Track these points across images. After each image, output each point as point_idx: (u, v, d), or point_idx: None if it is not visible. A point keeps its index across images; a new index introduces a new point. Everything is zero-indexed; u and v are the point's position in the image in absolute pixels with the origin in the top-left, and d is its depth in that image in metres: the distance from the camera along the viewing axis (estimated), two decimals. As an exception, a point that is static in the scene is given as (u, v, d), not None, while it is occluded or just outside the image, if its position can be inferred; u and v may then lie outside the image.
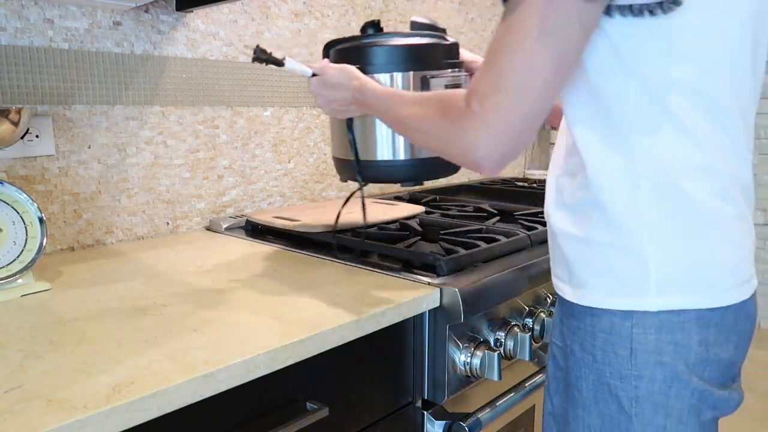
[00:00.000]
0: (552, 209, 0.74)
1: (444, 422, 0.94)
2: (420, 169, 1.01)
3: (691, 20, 0.60)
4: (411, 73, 0.96)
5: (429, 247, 1.09)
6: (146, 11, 1.18)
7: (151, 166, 1.22)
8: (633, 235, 0.65)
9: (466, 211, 1.40)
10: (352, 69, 0.88)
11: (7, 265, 0.86)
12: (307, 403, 0.75)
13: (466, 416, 0.96)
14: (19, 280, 0.87)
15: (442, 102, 0.71)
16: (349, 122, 0.96)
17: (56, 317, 0.77)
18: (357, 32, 1.00)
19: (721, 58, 0.62)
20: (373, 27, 1.01)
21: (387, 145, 0.99)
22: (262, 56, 0.90)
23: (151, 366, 0.62)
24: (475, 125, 0.63)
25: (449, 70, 0.99)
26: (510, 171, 2.28)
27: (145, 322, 0.75)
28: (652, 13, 0.59)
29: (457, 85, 0.98)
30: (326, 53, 1.03)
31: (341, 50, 0.99)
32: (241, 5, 1.33)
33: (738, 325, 0.68)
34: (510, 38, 0.61)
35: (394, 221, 1.25)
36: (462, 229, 1.18)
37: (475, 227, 1.19)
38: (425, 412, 0.94)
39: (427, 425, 0.94)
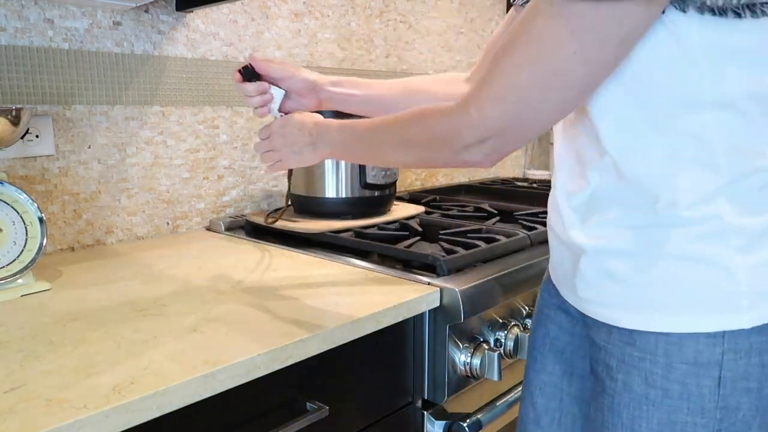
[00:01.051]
0: (576, 227, 0.67)
1: (444, 422, 0.94)
2: (358, 206, 1.25)
3: None
4: None
5: (429, 247, 1.09)
6: (146, 11, 1.18)
7: (151, 166, 1.22)
8: (714, 243, 0.59)
9: (466, 211, 1.40)
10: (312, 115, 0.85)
11: (7, 265, 0.86)
12: (307, 403, 0.75)
13: (466, 416, 0.96)
14: (19, 280, 0.87)
15: (421, 112, 0.67)
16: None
17: (56, 317, 0.77)
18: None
19: None
20: None
21: (332, 184, 1.23)
22: (251, 77, 0.88)
23: (151, 366, 0.62)
24: (471, 123, 0.61)
25: None
26: (510, 171, 2.28)
27: (145, 322, 0.75)
28: (738, 14, 0.53)
29: None
30: None
31: None
32: (241, 5, 1.33)
33: None
34: (532, 47, 0.56)
35: (394, 221, 1.25)
36: (462, 229, 1.18)
37: (475, 227, 1.19)
38: (425, 412, 0.94)
39: (427, 425, 0.94)
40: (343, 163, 1.23)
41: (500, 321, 1.00)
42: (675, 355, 0.61)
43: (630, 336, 0.64)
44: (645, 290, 0.62)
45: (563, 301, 0.77)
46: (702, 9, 0.53)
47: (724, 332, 0.59)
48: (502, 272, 0.97)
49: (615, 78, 0.59)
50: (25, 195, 0.89)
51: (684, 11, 0.54)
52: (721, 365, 0.60)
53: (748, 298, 0.59)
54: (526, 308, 1.06)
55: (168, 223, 1.27)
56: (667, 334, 0.61)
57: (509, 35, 0.59)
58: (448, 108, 0.64)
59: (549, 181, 1.96)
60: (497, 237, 1.11)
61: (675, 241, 0.60)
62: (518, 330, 1.00)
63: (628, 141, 0.61)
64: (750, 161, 0.59)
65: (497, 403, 1.02)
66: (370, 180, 1.24)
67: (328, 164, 1.23)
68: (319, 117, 0.82)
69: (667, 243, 0.60)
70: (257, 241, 1.19)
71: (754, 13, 0.53)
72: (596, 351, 0.69)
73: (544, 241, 1.15)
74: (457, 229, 1.17)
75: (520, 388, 1.07)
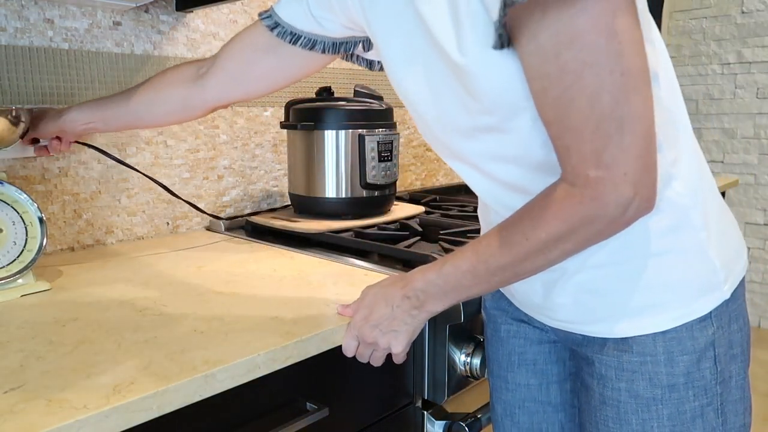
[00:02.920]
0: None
1: (444, 422, 0.94)
2: (358, 206, 1.25)
3: None
4: (350, 131, 1.21)
5: (429, 247, 1.08)
6: (146, 11, 1.18)
7: (151, 166, 1.22)
8: (682, 230, 0.62)
9: (466, 211, 1.40)
10: (389, 278, 0.72)
11: (7, 265, 0.86)
12: (307, 403, 0.75)
13: (466, 416, 0.96)
14: (19, 280, 0.87)
15: (530, 213, 0.59)
16: None
17: (56, 317, 0.77)
18: None
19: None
20: (326, 92, 1.28)
21: (332, 184, 1.23)
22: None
23: (151, 366, 0.62)
24: (610, 187, 0.53)
25: (382, 129, 1.24)
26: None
27: (145, 322, 0.75)
28: None
29: (388, 143, 1.18)
30: (287, 111, 1.27)
31: (298, 109, 1.25)
32: (241, 5, 1.33)
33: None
34: (587, 80, 0.51)
35: (394, 221, 1.25)
36: (462, 229, 1.18)
37: (475, 227, 1.19)
38: (425, 412, 0.94)
39: (427, 425, 0.94)
40: (343, 163, 1.23)
41: (500, 321, 1.01)
42: (675, 349, 0.62)
43: (625, 343, 0.64)
44: (631, 296, 0.63)
45: (523, 313, 0.77)
46: None
47: (710, 312, 0.62)
48: (502, 272, 0.97)
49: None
50: (25, 195, 0.88)
51: None
52: (714, 344, 0.63)
53: (722, 271, 0.63)
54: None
55: (168, 223, 1.26)
56: (664, 332, 0.62)
57: (544, 90, 0.53)
58: (564, 194, 0.56)
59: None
60: (497, 237, 1.10)
61: (646, 239, 0.61)
62: (518, 330, 1.00)
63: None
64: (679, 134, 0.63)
65: (497, 403, 1.02)
66: (370, 180, 1.24)
67: (328, 164, 1.23)
68: (393, 277, 0.71)
69: (639, 244, 0.62)
70: (257, 241, 1.19)
71: None
72: (585, 364, 0.69)
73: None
74: (457, 229, 1.17)
75: (520, 388, 1.07)
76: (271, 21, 0.77)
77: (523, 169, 0.62)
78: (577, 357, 0.72)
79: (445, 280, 0.65)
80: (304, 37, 0.76)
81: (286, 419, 0.72)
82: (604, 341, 0.66)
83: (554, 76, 0.52)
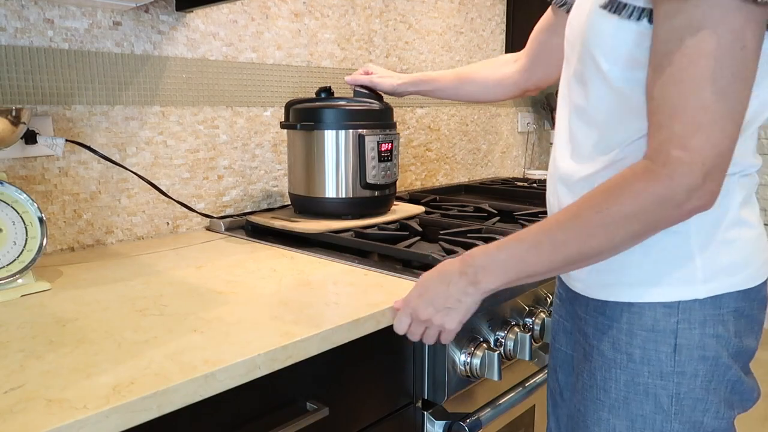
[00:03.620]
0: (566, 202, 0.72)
1: (444, 422, 0.94)
2: (358, 206, 1.25)
3: None
4: (350, 131, 1.22)
5: (429, 247, 1.09)
6: (146, 11, 1.18)
7: (151, 166, 1.22)
8: (682, 226, 0.64)
9: (466, 211, 1.40)
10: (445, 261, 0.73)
11: (7, 265, 0.86)
12: (307, 403, 0.75)
13: (466, 416, 0.96)
14: (19, 280, 0.87)
15: (608, 190, 0.61)
16: None
17: (56, 317, 0.77)
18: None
19: None
20: (326, 92, 1.28)
21: (332, 184, 1.23)
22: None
23: (151, 366, 0.62)
24: (687, 170, 0.56)
25: (381, 129, 1.25)
26: (510, 171, 2.28)
27: (145, 322, 0.75)
28: None
29: (388, 143, 1.23)
30: (287, 111, 1.29)
31: (298, 109, 1.26)
32: (241, 5, 1.33)
33: (761, 314, 0.69)
34: (694, 71, 0.55)
35: (394, 221, 1.25)
36: (462, 229, 1.18)
37: (475, 227, 1.19)
38: (425, 412, 0.94)
39: (427, 425, 0.94)
40: (343, 163, 1.23)
41: (500, 321, 1.00)
42: (636, 322, 0.68)
43: (603, 306, 0.71)
44: (613, 265, 0.68)
45: (566, 289, 0.83)
46: None
47: (678, 303, 0.65)
48: (502, 272, 0.97)
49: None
50: (25, 195, 0.89)
51: None
52: (676, 333, 0.66)
53: (702, 271, 0.65)
54: (527, 308, 1.06)
55: (168, 223, 1.26)
56: (630, 304, 0.68)
57: (660, 66, 0.57)
58: (643, 169, 0.59)
59: (549, 181, 1.96)
60: (497, 237, 1.11)
61: None
62: (518, 330, 1.00)
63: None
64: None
65: (497, 403, 1.02)
66: (370, 180, 1.24)
67: (328, 164, 1.23)
68: (452, 258, 0.73)
69: None
70: (257, 241, 1.19)
71: None
72: (578, 321, 0.76)
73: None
74: (457, 229, 1.17)
75: (520, 389, 1.07)
76: None
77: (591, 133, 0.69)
78: (577, 317, 0.78)
79: (507, 254, 0.66)
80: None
81: (286, 419, 0.72)
82: (588, 302, 0.73)
83: (673, 56, 0.56)
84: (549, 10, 0.96)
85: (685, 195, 0.57)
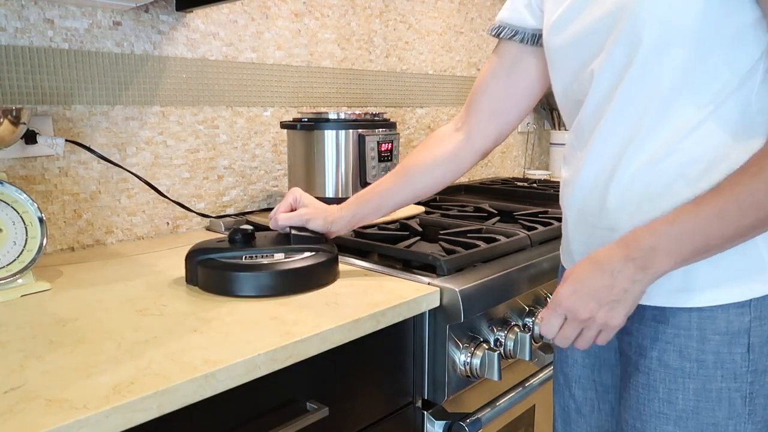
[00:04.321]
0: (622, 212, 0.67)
1: (444, 422, 0.94)
2: None
3: None
4: (350, 131, 1.21)
5: (429, 247, 1.09)
6: (146, 11, 1.18)
7: (151, 166, 1.22)
8: None
9: (466, 211, 1.40)
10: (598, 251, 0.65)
11: (7, 265, 0.86)
12: (307, 403, 0.75)
13: (466, 416, 0.96)
14: (19, 280, 0.87)
15: None
16: None
17: (56, 317, 0.77)
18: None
19: None
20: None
21: (332, 184, 1.22)
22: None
23: (151, 366, 0.62)
24: None
25: (381, 129, 1.24)
26: (510, 171, 2.28)
27: (145, 322, 0.75)
28: None
29: (388, 143, 1.17)
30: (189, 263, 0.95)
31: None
32: (241, 5, 1.33)
33: None
34: None
35: (394, 221, 1.25)
36: (462, 229, 1.18)
37: (475, 227, 1.19)
38: (425, 412, 0.94)
39: (427, 425, 0.94)
40: (343, 163, 1.23)
41: (500, 321, 1.00)
42: (708, 327, 0.64)
43: (662, 314, 0.67)
44: (677, 271, 0.63)
45: None
46: None
47: (750, 301, 0.63)
48: (502, 272, 0.97)
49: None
50: (25, 195, 0.89)
51: None
52: (749, 332, 0.63)
53: None
54: (527, 308, 1.06)
55: (168, 223, 1.27)
56: (700, 309, 0.65)
57: None
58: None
59: (549, 181, 1.96)
60: (497, 237, 1.11)
61: None
62: (518, 330, 1.00)
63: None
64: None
65: (497, 403, 1.02)
66: (370, 180, 1.24)
67: (328, 164, 1.23)
68: (605, 247, 0.65)
69: None
70: (257, 241, 1.19)
71: None
72: (627, 336, 0.72)
73: (544, 241, 1.15)
74: (457, 229, 1.17)
75: (520, 389, 1.07)
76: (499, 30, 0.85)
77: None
78: (623, 332, 0.73)
79: (682, 229, 0.59)
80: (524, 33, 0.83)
81: (286, 419, 0.72)
82: (643, 312, 0.69)
83: None
84: (493, 56, 0.87)
85: None
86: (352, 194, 1.23)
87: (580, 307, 0.63)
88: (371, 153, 1.23)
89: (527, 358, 1.00)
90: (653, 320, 0.68)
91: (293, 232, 0.92)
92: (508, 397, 1.04)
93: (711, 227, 0.59)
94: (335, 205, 0.97)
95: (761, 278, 0.64)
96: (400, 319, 0.83)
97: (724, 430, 0.65)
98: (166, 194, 1.22)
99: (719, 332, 0.64)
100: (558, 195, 0.83)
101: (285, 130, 1.41)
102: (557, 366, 0.88)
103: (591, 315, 0.63)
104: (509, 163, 2.28)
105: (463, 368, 0.93)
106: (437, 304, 0.88)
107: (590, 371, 0.83)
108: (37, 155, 1.06)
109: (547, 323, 0.66)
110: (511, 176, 2.19)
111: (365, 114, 1.26)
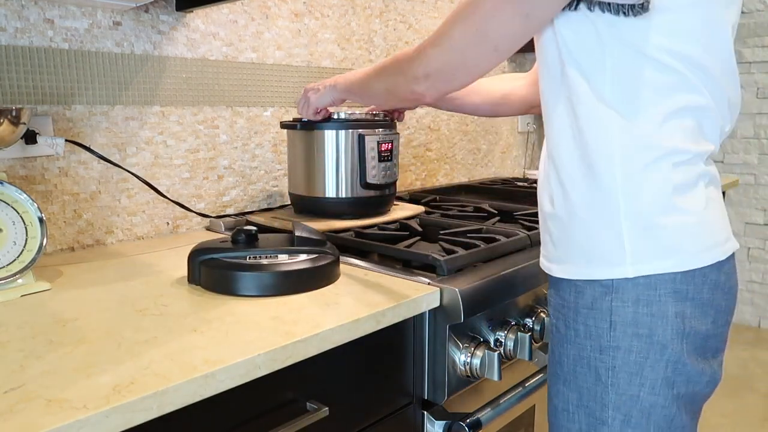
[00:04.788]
0: (540, 192, 0.81)
1: (444, 422, 0.94)
2: (358, 206, 1.26)
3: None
4: (350, 131, 1.23)
5: (429, 247, 1.09)
6: (146, 11, 1.18)
7: (151, 166, 1.22)
8: (608, 209, 0.71)
9: (466, 211, 1.40)
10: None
11: (7, 265, 0.86)
12: (307, 403, 0.75)
13: (466, 416, 0.96)
14: (19, 280, 0.87)
15: (398, 52, 0.87)
16: None
17: (56, 317, 0.77)
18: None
19: None
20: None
21: (332, 184, 1.23)
22: None
23: (151, 366, 0.62)
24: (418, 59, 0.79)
25: (382, 129, 1.26)
26: (510, 171, 2.28)
27: (145, 322, 0.75)
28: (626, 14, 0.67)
29: (388, 143, 1.27)
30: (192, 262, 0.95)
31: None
32: (241, 5, 1.33)
33: (716, 298, 0.72)
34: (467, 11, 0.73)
35: (394, 221, 1.25)
36: (462, 229, 1.18)
37: (475, 227, 1.19)
38: (425, 412, 0.94)
39: (427, 425, 0.94)
40: (343, 163, 1.23)
41: (500, 321, 1.00)
42: (580, 301, 0.74)
43: (556, 284, 0.78)
44: (565, 246, 0.76)
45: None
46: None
47: (612, 281, 0.71)
48: (502, 272, 0.97)
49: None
50: (25, 195, 0.89)
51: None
52: (611, 311, 0.72)
53: (631, 254, 0.70)
54: (527, 308, 1.06)
55: (168, 223, 1.27)
56: (575, 283, 0.75)
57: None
58: (414, 47, 0.80)
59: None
60: (497, 237, 1.11)
61: (580, 206, 0.73)
62: (518, 330, 1.00)
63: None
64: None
65: (497, 403, 1.02)
66: (370, 180, 1.24)
67: (328, 164, 1.23)
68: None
69: (578, 208, 0.73)
70: (257, 241, 1.19)
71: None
72: (545, 300, 0.85)
73: (544, 241, 1.15)
74: (457, 229, 1.17)
75: (520, 389, 1.07)
76: None
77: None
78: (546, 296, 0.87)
79: (351, 75, 1.07)
80: None
81: (286, 419, 0.72)
82: (548, 280, 0.81)
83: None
84: None
85: (411, 76, 0.80)
86: (352, 194, 1.24)
87: (306, 91, 1.13)
88: (371, 153, 1.23)
89: (527, 358, 1.00)
90: (552, 287, 0.80)
91: (296, 234, 0.95)
92: (508, 397, 1.04)
93: (362, 81, 0.97)
94: None
95: (620, 264, 0.71)
96: (400, 319, 0.83)
97: (594, 394, 0.74)
98: (166, 194, 1.22)
99: (587, 306, 0.73)
100: None
101: (285, 130, 1.41)
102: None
103: (307, 100, 1.13)
104: (509, 163, 2.28)
105: (463, 368, 0.93)
106: (437, 304, 0.88)
107: None
108: (37, 155, 1.06)
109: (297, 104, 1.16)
110: (511, 176, 2.19)
111: (365, 114, 1.26)
